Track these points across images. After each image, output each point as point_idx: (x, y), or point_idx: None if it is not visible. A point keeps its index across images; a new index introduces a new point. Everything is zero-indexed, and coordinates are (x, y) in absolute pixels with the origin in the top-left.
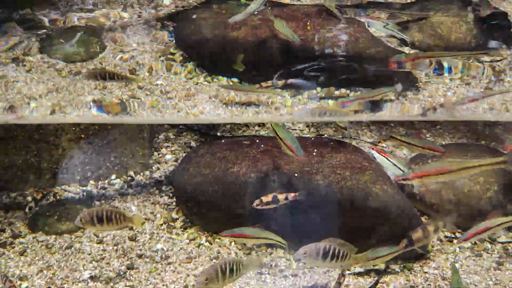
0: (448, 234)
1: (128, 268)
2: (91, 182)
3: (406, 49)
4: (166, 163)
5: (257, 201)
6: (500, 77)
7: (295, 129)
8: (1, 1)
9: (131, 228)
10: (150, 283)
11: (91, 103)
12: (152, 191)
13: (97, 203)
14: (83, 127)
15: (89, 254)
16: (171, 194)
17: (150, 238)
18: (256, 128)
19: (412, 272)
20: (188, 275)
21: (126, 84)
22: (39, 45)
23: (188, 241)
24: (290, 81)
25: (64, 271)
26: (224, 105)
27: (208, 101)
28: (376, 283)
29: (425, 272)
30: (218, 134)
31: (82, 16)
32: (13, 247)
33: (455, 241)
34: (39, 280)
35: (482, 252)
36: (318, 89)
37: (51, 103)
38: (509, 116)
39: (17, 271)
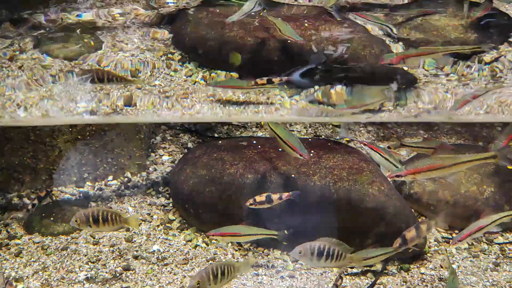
0: (446, 235)
1: (124, 270)
2: (88, 183)
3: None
4: (163, 164)
5: (250, 200)
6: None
7: (293, 130)
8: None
9: (128, 229)
10: (147, 285)
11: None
12: (149, 192)
13: (94, 204)
14: (79, 128)
15: (85, 256)
16: (167, 195)
17: (146, 239)
18: (254, 129)
19: (409, 273)
20: (185, 277)
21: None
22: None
23: (184, 242)
24: (285, 78)
25: (60, 272)
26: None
27: (206, 100)
28: (373, 284)
29: (422, 273)
30: (215, 135)
31: (78, 15)
32: (9, 249)
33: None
34: (35, 282)
35: (479, 253)
36: (316, 87)
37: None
38: (504, 117)
39: (13, 272)
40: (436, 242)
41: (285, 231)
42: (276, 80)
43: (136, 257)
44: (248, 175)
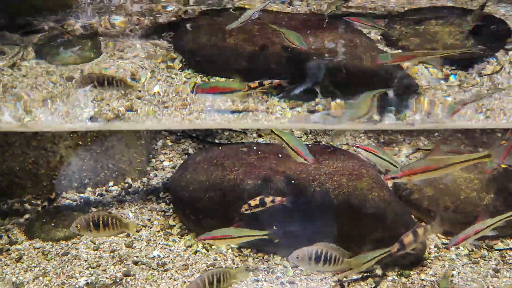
0: (446, 241)
1: (125, 275)
2: (89, 189)
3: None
4: (163, 170)
5: (245, 206)
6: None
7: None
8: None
9: (128, 235)
10: None
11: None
12: (149, 198)
13: (94, 210)
14: (80, 134)
15: (86, 261)
16: (168, 201)
17: (146, 245)
18: (254, 135)
19: (409, 279)
20: (185, 282)
21: (125, 92)
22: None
23: (184, 248)
24: (276, 82)
25: (60, 277)
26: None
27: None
28: None
29: (422, 279)
30: (216, 141)
31: (80, 23)
32: (10, 254)
33: (452, 247)
34: (35, 287)
35: (479, 259)
36: (317, 100)
37: None
38: (505, 123)
39: (13, 278)
40: (436, 248)
41: (274, 227)
42: (266, 82)
43: (136, 263)
44: (249, 181)
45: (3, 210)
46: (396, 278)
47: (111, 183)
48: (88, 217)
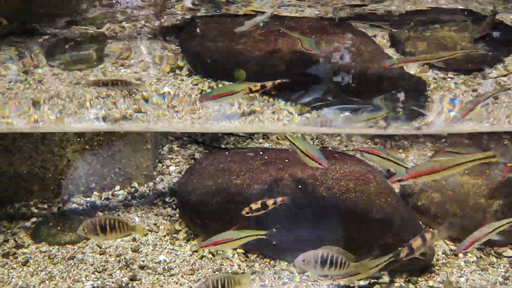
0: (454, 247)
1: (131, 280)
2: (95, 193)
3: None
4: (169, 174)
5: (246, 209)
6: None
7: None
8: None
9: (134, 239)
10: None
11: None
12: (155, 202)
13: (101, 214)
14: (87, 138)
15: (92, 265)
16: (174, 206)
17: (153, 250)
18: (260, 140)
19: (417, 286)
20: (191, 287)
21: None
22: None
23: (191, 252)
24: (277, 82)
25: (67, 281)
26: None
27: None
28: None
29: (430, 286)
30: (222, 146)
31: (86, 28)
32: (16, 257)
33: (460, 254)
34: None
35: (487, 266)
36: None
37: None
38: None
39: (20, 281)
40: (444, 255)
41: (274, 229)
42: (268, 84)
43: (142, 267)
44: (255, 185)
45: (10, 214)
46: (403, 284)
47: (117, 187)
48: (95, 221)
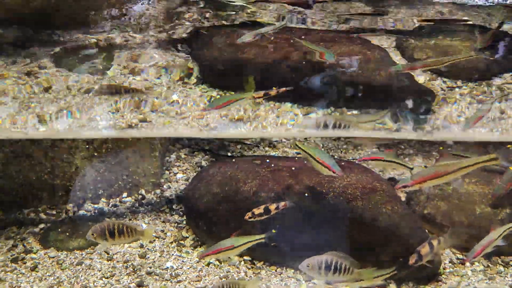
0: (461, 256)
1: (138, 286)
2: (103, 199)
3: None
4: (177, 182)
5: (249, 214)
6: None
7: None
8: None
9: (141, 246)
10: None
11: None
12: (162, 209)
13: (108, 220)
14: (96, 145)
15: (100, 271)
16: (181, 213)
17: (160, 256)
18: (266, 148)
19: None
20: None
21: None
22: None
23: (197, 259)
24: (282, 90)
25: (74, 287)
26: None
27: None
28: None
29: None
30: (229, 154)
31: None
32: (25, 263)
33: (467, 263)
34: None
35: (495, 275)
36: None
37: None
38: None
39: (28, 286)
40: (451, 264)
41: (273, 231)
42: (272, 92)
43: (149, 273)
44: (262, 193)
45: (19, 220)
46: None
47: (125, 194)
48: (104, 225)
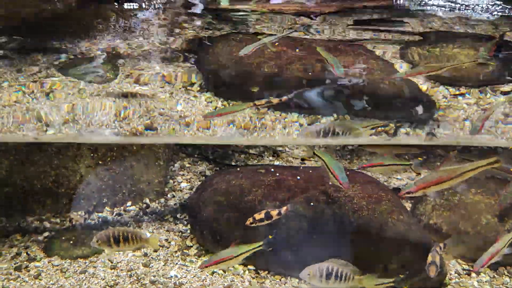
0: (467, 267)
1: None
2: (107, 208)
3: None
4: (181, 191)
5: (250, 219)
6: None
7: (311, 160)
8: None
9: (145, 254)
10: None
11: None
12: (166, 218)
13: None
14: (101, 154)
15: (103, 279)
16: (185, 222)
17: (164, 265)
18: (270, 158)
19: None
20: None
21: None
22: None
23: (201, 268)
24: (284, 98)
25: None
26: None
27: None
28: None
29: None
30: (233, 163)
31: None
32: (29, 271)
33: (473, 274)
34: None
35: (501, 286)
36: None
37: None
38: None
39: None
40: (457, 274)
41: (270, 236)
42: (275, 100)
43: (153, 282)
44: (267, 202)
45: (23, 228)
46: None
47: (129, 203)
48: (108, 232)
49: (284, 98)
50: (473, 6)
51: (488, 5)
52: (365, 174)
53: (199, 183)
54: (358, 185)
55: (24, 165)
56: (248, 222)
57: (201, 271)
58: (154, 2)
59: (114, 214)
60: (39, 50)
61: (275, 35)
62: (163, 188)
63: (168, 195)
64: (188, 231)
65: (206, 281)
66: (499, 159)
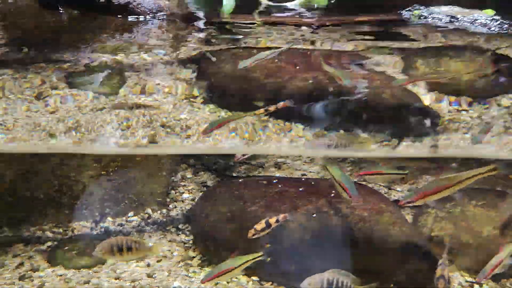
0: (470, 279)
1: None
2: (109, 218)
3: None
4: (183, 201)
5: (251, 231)
6: None
7: (312, 172)
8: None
9: (148, 265)
10: None
11: None
12: (168, 229)
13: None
14: (104, 164)
15: None
16: (188, 232)
17: (167, 275)
18: (272, 169)
19: None
20: None
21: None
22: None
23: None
24: (280, 105)
25: None
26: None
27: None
28: None
29: None
30: (234, 174)
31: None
32: (32, 281)
33: (476, 286)
34: None
35: None
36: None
37: None
38: None
39: None
40: (460, 286)
41: (267, 245)
42: (271, 108)
43: None
44: (269, 213)
45: (26, 237)
46: None
47: (131, 213)
48: (112, 241)
49: (280, 104)
50: (472, 20)
51: (487, 20)
52: (365, 186)
53: (201, 193)
54: (359, 197)
55: (27, 175)
56: (250, 235)
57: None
58: (158, 14)
59: (116, 224)
60: (43, 61)
61: (276, 48)
62: (165, 199)
63: (170, 206)
64: (191, 242)
65: None
66: (496, 166)
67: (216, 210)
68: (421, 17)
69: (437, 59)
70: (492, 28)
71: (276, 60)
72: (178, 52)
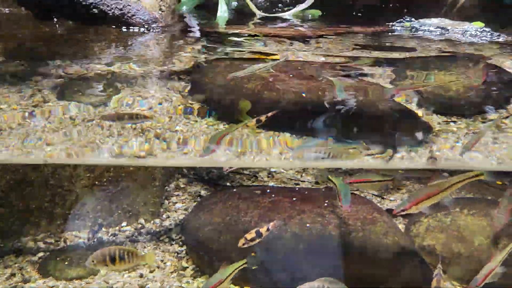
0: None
1: None
2: (102, 228)
3: None
4: (176, 211)
5: (242, 241)
6: None
7: (304, 181)
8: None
9: (141, 276)
10: None
11: None
12: (162, 239)
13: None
14: (97, 174)
15: None
16: (181, 243)
17: (160, 286)
18: (265, 179)
19: None
20: None
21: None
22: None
23: None
24: (270, 114)
25: None
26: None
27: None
28: None
29: None
30: (227, 184)
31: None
32: None
33: None
34: None
35: None
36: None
37: None
38: None
39: None
40: None
41: (252, 253)
42: (262, 118)
43: None
44: (263, 223)
45: (17, 248)
46: None
47: (124, 223)
48: (104, 251)
49: (270, 113)
50: (463, 31)
51: (477, 32)
52: (358, 195)
53: (194, 203)
54: (353, 206)
55: (20, 185)
56: (240, 244)
57: None
58: (153, 26)
59: (109, 234)
60: (37, 73)
61: (270, 61)
62: (159, 209)
63: (163, 216)
64: (184, 252)
65: None
66: (483, 172)
67: (209, 220)
68: (412, 29)
69: (429, 69)
70: (483, 39)
71: (272, 71)
72: (172, 63)
